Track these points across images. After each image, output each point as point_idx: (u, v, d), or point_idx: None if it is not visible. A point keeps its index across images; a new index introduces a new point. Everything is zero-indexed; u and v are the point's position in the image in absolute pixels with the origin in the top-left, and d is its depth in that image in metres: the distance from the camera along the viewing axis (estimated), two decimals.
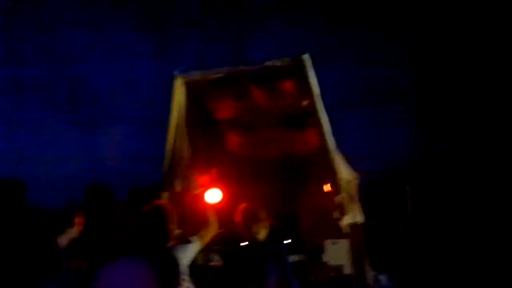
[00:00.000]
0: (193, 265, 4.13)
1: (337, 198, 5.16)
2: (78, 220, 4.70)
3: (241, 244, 4.08)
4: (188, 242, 3.83)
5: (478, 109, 9.16)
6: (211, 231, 3.99)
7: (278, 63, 5.21)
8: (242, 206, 3.95)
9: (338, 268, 5.65)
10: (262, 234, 3.90)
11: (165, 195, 5.02)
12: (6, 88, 9.71)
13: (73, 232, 4.67)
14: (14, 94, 9.75)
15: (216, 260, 5.59)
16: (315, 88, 5.16)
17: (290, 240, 5.72)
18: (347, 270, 5.47)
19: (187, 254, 3.73)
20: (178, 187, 5.15)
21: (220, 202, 6.08)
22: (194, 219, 4.16)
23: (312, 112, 5.24)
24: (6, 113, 9.62)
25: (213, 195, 6.11)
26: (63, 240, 4.59)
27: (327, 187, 5.65)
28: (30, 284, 4.36)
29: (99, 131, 9.40)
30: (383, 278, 6.18)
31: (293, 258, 5.21)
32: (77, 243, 4.76)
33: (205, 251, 5.01)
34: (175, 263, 3.68)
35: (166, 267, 3.66)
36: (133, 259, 3.96)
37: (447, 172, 8.83)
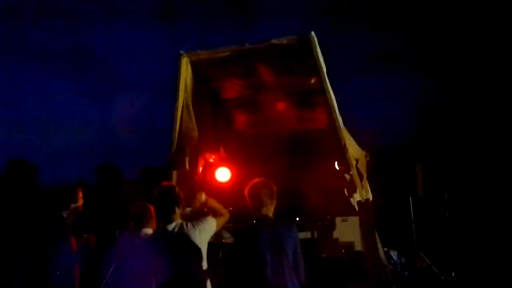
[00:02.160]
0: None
1: (347, 176, 5.13)
2: (81, 195, 4.78)
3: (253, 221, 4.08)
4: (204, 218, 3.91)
5: (491, 86, 9.05)
6: (223, 220, 4.05)
7: (284, 41, 5.13)
8: (251, 182, 3.93)
9: (349, 245, 5.65)
10: (270, 210, 3.89)
11: (174, 173, 5.02)
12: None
13: (76, 206, 4.76)
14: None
15: (227, 238, 5.63)
16: (322, 66, 5.09)
17: (298, 218, 5.72)
18: (358, 246, 5.47)
19: (206, 231, 3.83)
20: (187, 165, 5.14)
21: (229, 181, 6.12)
22: (203, 197, 4.16)
23: (319, 90, 5.18)
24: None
25: (222, 174, 6.14)
26: (68, 215, 4.69)
27: (336, 165, 5.62)
28: (39, 251, 4.47)
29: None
30: (393, 254, 6.19)
31: (304, 235, 5.21)
32: (85, 218, 4.85)
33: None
34: (188, 239, 3.75)
35: (178, 242, 3.73)
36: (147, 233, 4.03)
37: (457, 149, 8.76)
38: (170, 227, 3.82)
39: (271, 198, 3.88)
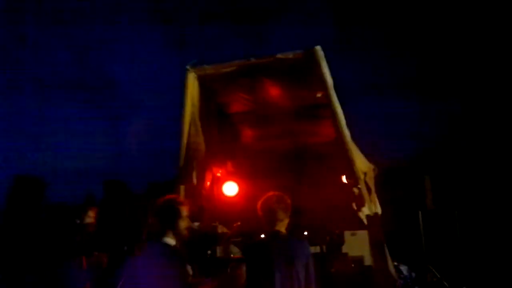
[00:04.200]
0: (213, 258, 4.11)
1: (355, 189, 5.09)
2: (92, 214, 4.76)
3: (261, 236, 4.03)
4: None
5: (500, 98, 9.02)
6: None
7: (290, 55, 5.15)
8: (265, 196, 3.87)
9: (358, 259, 5.58)
10: (283, 226, 3.83)
11: (182, 188, 5.01)
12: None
13: (89, 226, 4.73)
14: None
15: (235, 253, 5.58)
16: (329, 80, 5.09)
17: (307, 233, 5.68)
18: (368, 261, 5.40)
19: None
20: (194, 180, 5.14)
21: (236, 195, 6.10)
22: (211, 212, 4.15)
23: (326, 104, 5.18)
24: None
25: (229, 188, 6.13)
26: (79, 234, 4.67)
27: (344, 179, 5.58)
28: (48, 273, 4.44)
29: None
30: (404, 268, 6.10)
31: (313, 249, 5.15)
32: (95, 237, 4.82)
33: (224, 243, 5.01)
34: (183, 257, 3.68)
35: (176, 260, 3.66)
36: (154, 250, 3.97)
37: (467, 162, 8.70)
38: (157, 244, 3.69)
39: (286, 213, 3.79)
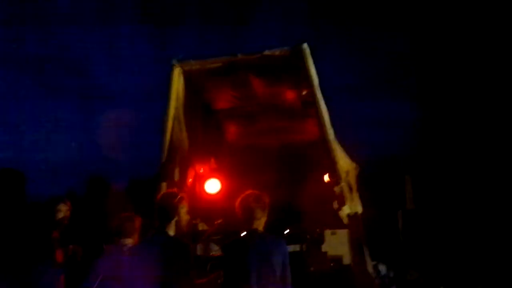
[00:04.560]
0: (193, 256, 4.10)
1: (337, 188, 5.12)
2: (63, 208, 4.72)
3: (241, 234, 4.05)
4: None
5: (480, 100, 9.15)
6: None
7: (277, 52, 5.15)
8: (244, 194, 3.89)
9: (338, 258, 5.62)
10: (261, 224, 3.86)
11: (164, 185, 4.99)
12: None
13: (62, 220, 4.70)
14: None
15: (215, 251, 5.58)
16: (314, 78, 5.10)
17: (288, 230, 5.69)
18: (347, 260, 5.45)
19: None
20: (176, 176, 5.12)
21: (218, 193, 6.08)
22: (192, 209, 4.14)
23: (311, 102, 5.19)
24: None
25: (212, 186, 6.11)
26: (54, 230, 4.63)
27: (326, 177, 5.61)
28: (24, 270, 4.40)
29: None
30: (382, 267, 6.18)
31: (292, 248, 5.17)
32: (72, 230, 4.79)
33: (204, 241, 5.00)
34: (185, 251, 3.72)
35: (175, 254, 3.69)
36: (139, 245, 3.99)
37: (447, 162, 8.81)
38: (158, 238, 3.76)
39: (264, 212, 3.83)
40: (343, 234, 5.36)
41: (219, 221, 5.13)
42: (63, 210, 4.74)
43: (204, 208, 5.46)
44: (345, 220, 5.08)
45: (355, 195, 5.26)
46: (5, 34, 9.78)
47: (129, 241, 4.23)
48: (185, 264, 3.74)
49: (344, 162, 5.27)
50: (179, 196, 3.92)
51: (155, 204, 3.87)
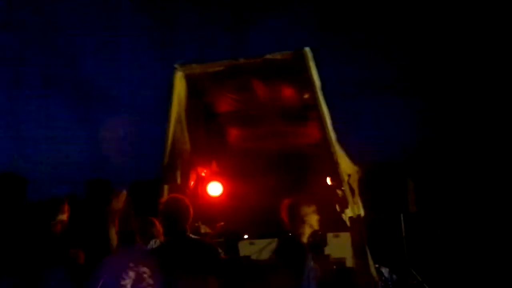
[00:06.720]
0: None
1: (339, 191, 5.13)
2: (65, 208, 4.72)
3: (244, 236, 4.06)
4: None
5: (482, 103, 9.15)
6: None
7: (279, 56, 5.18)
8: (287, 201, 3.89)
9: (340, 261, 5.62)
10: (307, 231, 3.87)
11: (165, 187, 5.00)
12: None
13: (62, 220, 4.69)
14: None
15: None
16: (317, 81, 5.12)
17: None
18: (349, 263, 5.45)
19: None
20: (178, 179, 5.13)
21: (220, 195, 6.10)
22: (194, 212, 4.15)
23: (313, 105, 5.21)
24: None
25: (214, 188, 6.12)
26: (55, 229, 4.62)
27: (328, 180, 5.61)
28: (29, 275, 4.40)
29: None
30: (385, 271, 6.17)
31: None
32: (74, 233, 4.79)
33: None
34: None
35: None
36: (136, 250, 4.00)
37: (449, 165, 8.81)
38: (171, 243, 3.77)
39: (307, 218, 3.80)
40: (345, 237, 5.37)
41: (221, 223, 5.15)
42: (65, 210, 4.74)
43: (206, 211, 5.47)
44: (348, 223, 5.08)
45: (357, 198, 5.26)
46: (5, 37, 9.83)
47: (156, 242, 4.24)
48: (214, 263, 3.74)
49: (346, 165, 5.29)
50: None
51: (169, 207, 3.88)
